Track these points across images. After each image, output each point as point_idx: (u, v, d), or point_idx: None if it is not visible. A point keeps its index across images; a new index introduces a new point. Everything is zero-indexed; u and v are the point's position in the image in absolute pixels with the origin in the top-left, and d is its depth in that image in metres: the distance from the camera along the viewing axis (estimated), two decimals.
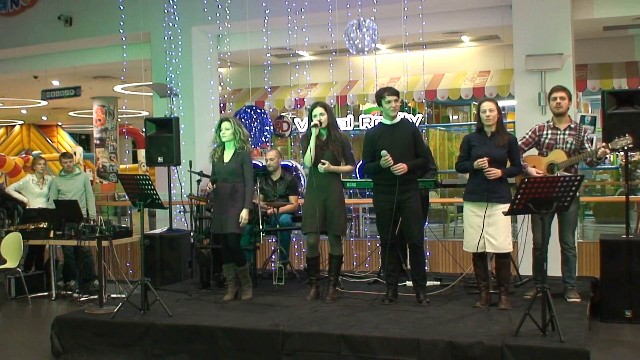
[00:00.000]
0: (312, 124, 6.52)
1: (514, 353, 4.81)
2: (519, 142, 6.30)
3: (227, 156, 6.71)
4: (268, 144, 12.01)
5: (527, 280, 6.93)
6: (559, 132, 6.36)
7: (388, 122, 6.34)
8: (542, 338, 4.97)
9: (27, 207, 9.40)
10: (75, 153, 18.10)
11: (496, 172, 5.84)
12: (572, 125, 6.37)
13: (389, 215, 6.22)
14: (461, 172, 6.37)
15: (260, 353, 5.47)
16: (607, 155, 6.26)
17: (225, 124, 6.69)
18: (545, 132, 6.41)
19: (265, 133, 11.64)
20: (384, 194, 6.26)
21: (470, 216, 6.02)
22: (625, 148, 6.18)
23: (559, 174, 6.11)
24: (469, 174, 6.10)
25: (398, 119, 6.37)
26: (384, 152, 6.08)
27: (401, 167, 6.07)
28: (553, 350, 4.78)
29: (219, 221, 6.67)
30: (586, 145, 6.29)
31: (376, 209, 6.43)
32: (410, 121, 7.08)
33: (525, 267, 6.96)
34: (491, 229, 5.89)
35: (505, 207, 5.58)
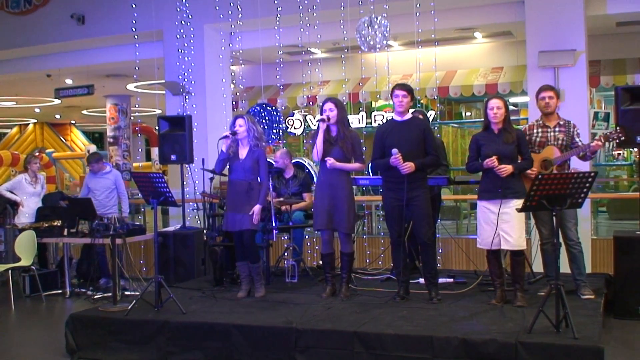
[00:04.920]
0: (319, 118, 6.51)
1: (527, 350, 4.80)
2: None
3: (242, 153, 6.72)
4: (280, 141, 12.00)
5: (541, 277, 6.91)
6: (549, 129, 6.40)
7: (398, 118, 6.34)
8: (556, 335, 4.96)
9: (21, 207, 9.46)
10: (88, 151, 18.20)
11: (507, 169, 5.82)
12: (561, 122, 6.43)
13: (398, 213, 6.21)
14: (472, 172, 6.37)
15: (274, 350, 5.48)
16: (612, 144, 6.35)
17: (239, 121, 6.70)
18: (535, 131, 6.45)
19: (275, 131, 11.63)
20: (392, 191, 6.24)
21: (485, 213, 5.99)
22: (618, 141, 6.29)
23: (573, 170, 6.11)
24: (482, 173, 6.08)
25: (408, 115, 6.36)
26: (394, 150, 6.05)
27: (408, 166, 6.04)
28: (567, 347, 4.76)
29: (234, 218, 6.68)
30: (577, 140, 6.36)
31: (385, 207, 6.42)
32: (422, 118, 7.01)
33: (539, 264, 6.93)
34: (506, 225, 5.87)
35: (521, 202, 5.55)
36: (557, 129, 6.38)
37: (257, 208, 6.58)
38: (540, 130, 6.42)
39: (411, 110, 6.55)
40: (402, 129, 6.25)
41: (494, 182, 5.90)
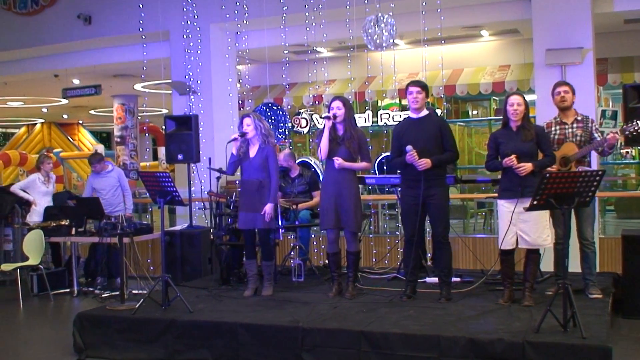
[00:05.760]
0: (324, 115, 6.50)
1: (535, 350, 4.78)
2: None
3: (252, 152, 6.73)
4: (287, 141, 12.01)
5: (549, 276, 6.88)
6: (566, 126, 6.34)
7: (414, 115, 6.32)
8: (564, 334, 4.94)
9: (34, 205, 9.50)
10: (96, 150, 18.24)
11: (526, 167, 5.76)
12: (579, 118, 6.35)
13: (414, 211, 6.19)
14: (491, 171, 6.31)
15: (280, 349, 5.48)
16: (618, 142, 6.19)
17: (246, 120, 6.71)
18: (553, 128, 6.38)
19: (281, 130, 11.64)
20: (409, 188, 6.23)
21: (506, 213, 5.91)
22: (635, 133, 6.06)
23: (579, 168, 6.07)
24: (502, 172, 6.02)
25: (424, 112, 6.32)
26: (409, 147, 6.03)
27: (424, 163, 6.02)
28: (575, 347, 4.74)
29: (247, 217, 6.68)
30: (595, 135, 6.28)
31: (402, 205, 6.42)
32: (438, 115, 6.94)
33: (547, 263, 6.91)
34: (525, 225, 5.80)
35: None
36: (574, 125, 6.31)
37: (268, 207, 6.59)
38: (558, 127, 6.35)
39: None
40: (418, 126, 6.22)
41: (514, 181, 5.85)
